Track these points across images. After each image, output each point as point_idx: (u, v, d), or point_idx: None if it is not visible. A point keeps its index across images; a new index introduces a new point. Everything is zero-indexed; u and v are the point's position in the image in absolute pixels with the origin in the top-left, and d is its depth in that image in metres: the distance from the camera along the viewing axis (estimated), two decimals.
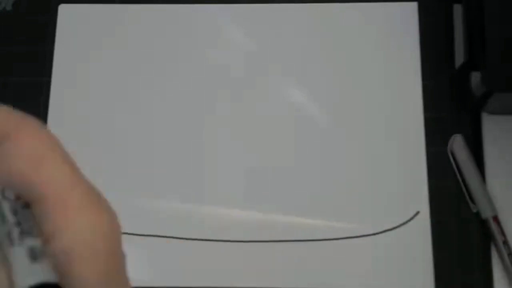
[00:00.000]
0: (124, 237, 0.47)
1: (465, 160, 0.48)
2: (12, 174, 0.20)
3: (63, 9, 0.53)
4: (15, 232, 0.19)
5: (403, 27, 0.51)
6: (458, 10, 0.50)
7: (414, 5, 0.52)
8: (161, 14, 0.53)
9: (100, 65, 0.52)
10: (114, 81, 0.52)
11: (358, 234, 0.47)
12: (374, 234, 0.47)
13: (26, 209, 0.19)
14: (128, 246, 0.48)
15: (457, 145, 0.48)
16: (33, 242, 0.19)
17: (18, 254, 0.18)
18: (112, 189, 0.49)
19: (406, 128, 0.49)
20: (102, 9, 0.53)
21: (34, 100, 0.51)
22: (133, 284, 0.47)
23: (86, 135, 0.50)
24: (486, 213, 0.47)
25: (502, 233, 0.46)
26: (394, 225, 0.47)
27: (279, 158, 0.49)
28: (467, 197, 0.48)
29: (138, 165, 0.49)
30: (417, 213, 0.47)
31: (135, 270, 0.47)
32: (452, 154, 0.49)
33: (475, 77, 0.46)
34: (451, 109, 0.50)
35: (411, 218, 0.47)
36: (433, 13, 0.52)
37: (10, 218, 0.19)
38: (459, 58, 0.49)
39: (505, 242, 0.46)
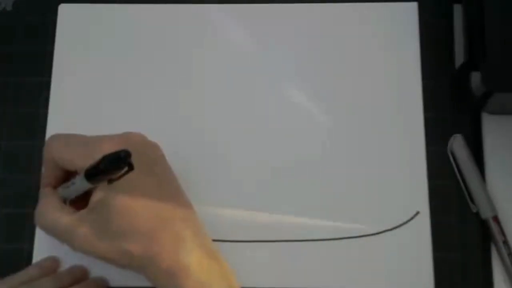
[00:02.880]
0: None
1: (465, 160, 0.48)
2: None
3: (63, 9, 0.53)
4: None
5: (403, 27, 0.51)
6: (458, 10, 0.50)
7: (414, 5, 0.52)
8: (161, 14, 0.53)
9: (100, 65, 0.52)
10: (114, 81, 0.52)
11: (358, 234, 0.47)
12: (374, 234, 0.47)
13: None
14: None
15: (457, 145, 0.48)
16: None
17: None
18: None
19: (406, 128, 0.49)
20: (102, 9, 0.53)
21: (34, 100, 0.51)
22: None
23: (87, 135, 0.50)
24: (486, 213, 0.47)
25: (502, 233, 0.46)
26: (394, 225, 0.47)
27: (278, 159, 0.49)
28: (467, 197, 0.48)
29: None
30: (417, 213, 0.47)
31: None
32: (452, 154, 0.49)
33: (475, 77, 0.46)
34: (451, 109, 0.50)
35: (411, 218, 0.47)
36: (433, 13, 0.52)
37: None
38: (459, 58, 0.49)
39: (505, 242, 0.46)
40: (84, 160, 0.41)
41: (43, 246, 0.48)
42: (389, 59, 0.51)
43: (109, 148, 0.41)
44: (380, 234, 0.47)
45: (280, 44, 0.52)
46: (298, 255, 0.47)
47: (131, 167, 0.38)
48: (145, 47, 0.52)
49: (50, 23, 0.53)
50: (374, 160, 0.49)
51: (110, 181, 0.39)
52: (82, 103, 0.51)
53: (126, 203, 0.40)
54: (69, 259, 0.47)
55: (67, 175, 0.45)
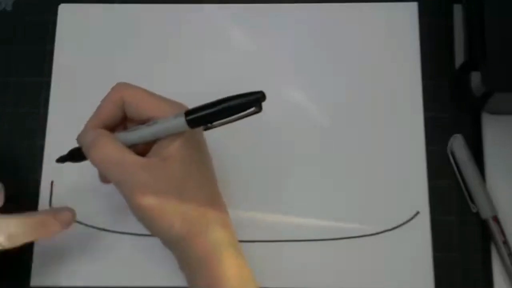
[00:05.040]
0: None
1: (465, 160, 0.48)
2: None
3: (63, 9, 0.53)
4: None
5: (403, 27, 0.51)
6: (458, 10, 0.50)
7: (414, 5, 0.52)
8: (161, 14, 0.53)
9: (100, 64, 0.52)
10: (114, 81, 0.51)
11: (358, 234, 0.47)
12: (374, 234, 0.47)
13: None
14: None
15: (457, 145, 0.48)
16: None
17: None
18: (112, 192, 0.49)
19: (406, 128, 0.49)
20: (102, 9, 0.53)
21: (34, 100, 0.51)
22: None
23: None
24: (486, 213, 0.47)
25: (502, 233, 0.46)
26: (394, 225, 0.47)
27: (278, 158, 0.49)
28: (467, 197, 0.48)
29: None
30: (417, 213, 0.47)
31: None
32: (452, 154, 0.49)
33: (475, 77, 0.46)
34: (451, 109, 0.50)
35: (411, 218, 0.47)
36: (433, 13, 0.52)
37: None
38: (459, 58, 0.49)
39: (505, 242, 0.46)
40: (162, 110, 0.41)
41: (43, 246, 0.48)
42: (389, 59, 0.51)
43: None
44: (380, 234, 0.47)
45: (280, 44, 0.52)
46: (297, 255, 0.47)
47: (259, 109, 0.38)
48: (145, 47, 0.52)
49: (50, 23, 0.53)
50: (374, 160, 0.49)
51: (207, 128, 0.39)
52: (82, 103, 0.51)
53: (196, 164, 0.41)
54: (70, 261, 0.47)
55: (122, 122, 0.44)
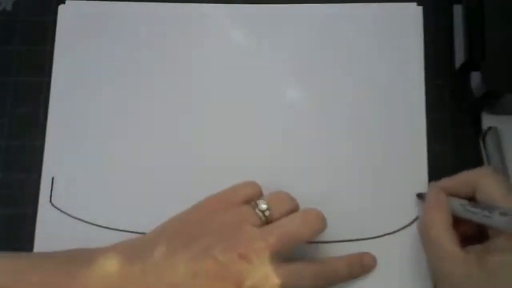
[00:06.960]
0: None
1: (495, 154, 0.47)
2: None
3: (63, 9, 0.53)
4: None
5: (406, 28, 0.51)
6: (458, 10, 0.50)
7: (416, 5, 0.52)
8: (161, 14, 0.53)
9: (100, 64, 0.52)
10: (114, 81, 0.52)
11: (357, 238, 0.47)
12: (374, 237, 0.47)
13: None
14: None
15: (491, 138, 0.47)
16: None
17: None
18: (113, 190, 0.49)
19: (407, 128, 0.49)
20: (102, 9, 0.53)
21: (34, 100, 0.51)
22: None
23: (86, 135, 0.50)
24: None
25: None
26: (394, 229, 0.47)
27: (278, 159, 0.49)
28: None
29: (139, 165, 0.49)
30: (417, 217, 0.47)
31: None
32: (484, 144, 0.48)
33: (475, 77, 0.46)
34: (451, 109, 0.50)
35: (411, 222, 0.47)
36: (433, 13, 0.52)
37: None
38: (459, 58, 0.49)
39: None
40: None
41: (43, 247, 0.48)
42: (391, 59, 0.51)
43: None
44: (380, 238, 0.47)
45: (280, 45, 0.52)
46: (298, 256, 0.47)
47: None
48: (145, 47, 0.52)
49: (50, 23, 0.53)
50: (374, 163, 0.49)
51: None
52: (82, 103, 0.51)
53: None
54: None
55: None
